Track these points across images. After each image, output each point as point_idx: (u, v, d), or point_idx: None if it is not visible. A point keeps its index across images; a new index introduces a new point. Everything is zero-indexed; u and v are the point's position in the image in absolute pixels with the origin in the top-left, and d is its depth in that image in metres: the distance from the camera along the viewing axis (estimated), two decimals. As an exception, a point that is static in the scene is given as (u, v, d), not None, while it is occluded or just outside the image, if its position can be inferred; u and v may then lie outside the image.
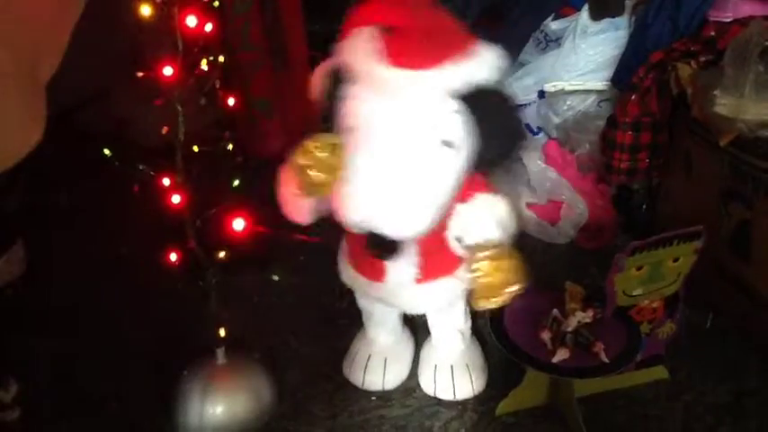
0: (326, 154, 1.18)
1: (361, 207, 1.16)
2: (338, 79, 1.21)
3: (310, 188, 1.20)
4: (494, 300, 1.23)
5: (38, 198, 1.97)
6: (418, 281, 1.31)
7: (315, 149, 1.18)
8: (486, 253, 1.21)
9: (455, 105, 1.17)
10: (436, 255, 1.29)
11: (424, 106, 1.16)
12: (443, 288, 1.34)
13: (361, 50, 1.18)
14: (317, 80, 1.27)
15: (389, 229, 1.16)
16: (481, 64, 1.18)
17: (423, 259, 1.29)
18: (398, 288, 1.33)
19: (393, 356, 1.50)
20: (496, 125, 1.20)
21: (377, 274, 1.32)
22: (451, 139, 1.17)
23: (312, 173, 1.18)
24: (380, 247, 1.21)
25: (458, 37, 1.19)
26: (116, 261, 1.83)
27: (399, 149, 1.16)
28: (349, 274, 1.39)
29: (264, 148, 2.28)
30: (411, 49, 1.14)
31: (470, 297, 1.27)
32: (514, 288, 1.22)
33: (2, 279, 1.68)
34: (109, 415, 1.42)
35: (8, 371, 1.42)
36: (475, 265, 1.22)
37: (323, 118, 1.27)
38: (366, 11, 1.21)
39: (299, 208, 1.26)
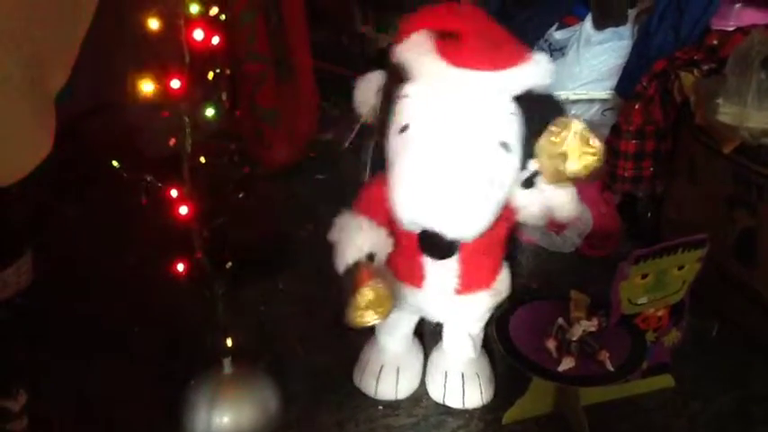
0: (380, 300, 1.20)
1: (419, 206, 1.18)
2: (394, 80, 1.24)
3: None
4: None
5: (46, 209, 1.99)
6: (457, 291, 1.33)
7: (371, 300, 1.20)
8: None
9: (512, 108, 1.20)
10: (477, 267, 1.32)
11: (483, 107, 1.19)
12: (480, 301, 1.36)
13: (422, 51, 1.21)
14: (365, 88, 1.32)
15: (447, 229, 1.19)
16: (536, 69, 1.21)
17: (464, 270, 1.31)
18: (436, 296, 1.34)
19: (405, 365, 1.50)
20: (544, 128, 1.22)
21: (416, 280, 1.33)
22: (508, 140, 1.20)
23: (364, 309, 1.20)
24: (434, 247, 1.23)
25: (513, 43, 1.24)
26: (123, 271, 1.84)
27: (458, 149, 1.18)
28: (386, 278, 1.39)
29: (270, 159, 2.29)
30: (472, 50, 1.18)
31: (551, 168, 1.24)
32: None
33: (10, 289, 1.68)
34: (116, 424, 1.42)
35: (16, 381, 1.42)
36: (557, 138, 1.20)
37: (378, 121, 1.29)
38: (424, 16, 1.25)
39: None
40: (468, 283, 1.33)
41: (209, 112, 1.25)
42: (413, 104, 1.22)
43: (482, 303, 1.38)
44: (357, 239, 1.24)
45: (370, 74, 1.34)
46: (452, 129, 1.19)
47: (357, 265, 1.22)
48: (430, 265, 1.31)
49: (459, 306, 1.37)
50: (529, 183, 1.26)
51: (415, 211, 1.19)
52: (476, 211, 1.19)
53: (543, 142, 1.21)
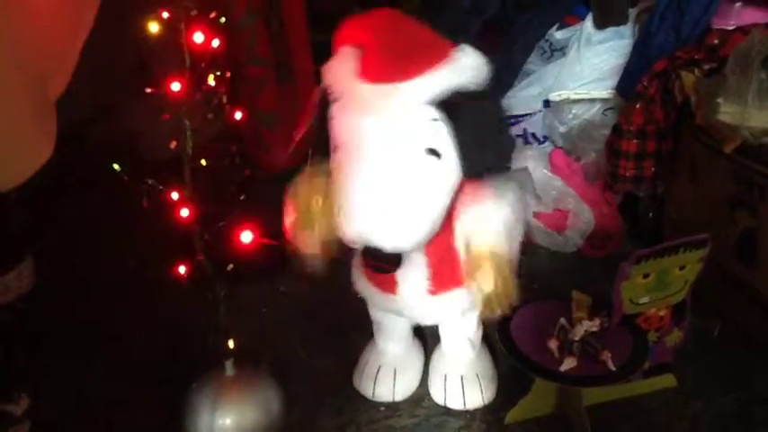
0: (318, 180, 1.21)
1: (356, 221, 1.17)
2: (325, 101, 1.23)
3: (305, 215, 1.23)
4: (495, 309, 1.24)
5: (47, 213, 1.99)
6: (431, 292, 1.32)
7: (308, 177, 1.21)
8: (487, 262, 1.22)
9: (435, 113, 1.17)
10: (447, 266, 1.30)
11: (403, 118, 1.17)
12: (456, 299, 1.34)
13: (340, 70, 1.20)
14: (312, 105, 1.29)
15: (384, 242, 1.17)
16: (457, 69, 1.18)
17: (433, 271, 1.30)
18: (411, 300, 1.34)
19: (403, 367, 1.50)
20: (480, 129, 1.21)
21: (389, 287, 1.33)
22: (435, 146, 1.18)
23: (305, 200, 1.22)
24: (378, 260, 1.21)
25: (432, 46, 1.20)
26: (124, 274, 1.85)
27: (386, 162, 1.17)
28: (363, 286, 1.40)
29: (270, 162, 2.30)
30: (382, 64, 1.16)
31: (474, 304, 1.28)
32: (512, 299, 1.24)
33: (12, 293, 1.68)
34: (118, 427, 1.42)
35: (18, 385, 1.42)
36: (477, 275, 1.22)
37: (316, 140, 1.29)
38: (342, 32, 1.23)
39: (302, 236, 1.28)
40: (440, 283, 1.32)
41: (210, 115, 1.26)
42: (339, 125, 1.21)
43: (459, 301, 1.35)
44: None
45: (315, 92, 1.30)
46: (376, 143, 1.17)
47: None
48: (400, 272, 1.28)
49: (437, 306, 1.36)
50: None
51: (353, 228, 1.18)
52: (410, 221, 1.18)
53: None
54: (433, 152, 1.18)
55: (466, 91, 1.18)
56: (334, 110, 1.22)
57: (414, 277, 1.31)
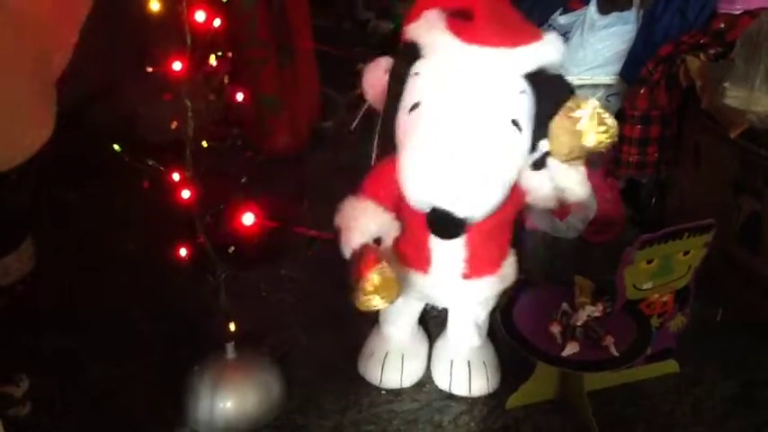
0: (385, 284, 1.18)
1: (429, 184, 1.17)
2: (405, 60, 1.23)
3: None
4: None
5: (46, 195, 1.98)
6: (465, 276, 1.32)
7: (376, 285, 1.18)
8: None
9: (524, 86, 1.19)
10: (485, 251, 1.30)
11: (494, 84, 1.18)
12: (486, 286, 1.35)
13: (434, 28, 1.20)
14: (373, 74, 1.31)
15: (457, 208, 1.18)
16: (547, 48, 1.21)
17: (471, 254, 1.30)
18: (443, 281, 1.33)
19: (410, 353, 1.49)
20: (556, 108, 1.20)
21: (422, 265, 1.32)
22: (519, 119, 1.19)
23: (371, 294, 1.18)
24: (443, 227, 1.22)
25: (524, 21, 1.23)
26: (125, 257, 1.84)
27: (469, 126, 1.17)
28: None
29: (272, 145, 2.28)
30: (484, 27, 1.18)
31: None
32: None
33: (12, 276, 1.68)
34: (119, 410, 1.42)
35: (19, 367, 1.42)
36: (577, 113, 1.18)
37: (386, 104, 1.27)
38: None
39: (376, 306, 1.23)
40: (475, 268, 1.32)
41: (212, 95, 1.24)
42: (424, 82, 1.21)
43: (488, 288, 1.36)
44: (363, 223, 1.23)
45: (379, 59, 1.33)
46: (464, 106, 1.18)
47: (363, 248, 1.21)
48: (437, 249, 1.30)
49: (466, 291, 1.36)
50: (539, 164, 1.25)
51: (426, 190, 1.18)
52: (486, 190, 1.19)
53: (559, 119, 1.20)
54: (516, 124, 1.19)
55: (549, 70, 1.21)
56: (420, 67, 1.22)
57: (450, 258, 1.30)
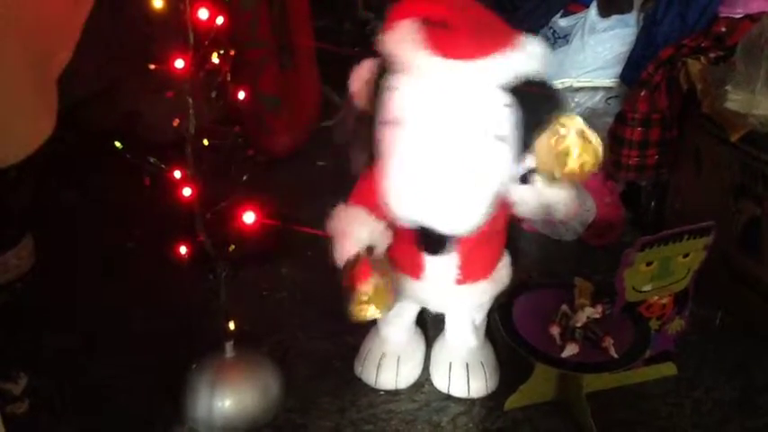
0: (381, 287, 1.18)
1: (412, 202, 1.16)
2: (383, 71, 1.20)
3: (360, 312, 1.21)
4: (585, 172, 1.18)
5: (46, 192, 1.98)
6: (458, 281, 1.31)
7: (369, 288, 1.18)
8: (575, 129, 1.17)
9: (506, 98, 1.15)
10: (478, 256, 1.30)
11: (474, 98, 1.15)
12: (481, 290, 1.34)
13: (408, 41, 1.16)
14: (359, 77, 1.27)
15: (443, 225, 1.16)
16: (528, 56, 1.16)
17: (464, 259, 1.29)
18: (436, 287, 1.33)
19: (406, 355, 1.49)
20: (543, 118, 1.18)
21: (415, 271, 1.32)
22: (502, 132, 1.16)
23: (365, 304, 1.19)
24: (430, 243, 1.21)
25: (503, 29, 1.18)
26: (124, 255, 1.84)
27: (450, 142, 1.15)
28: None
29: (272, 145, 2.28)
30: (460, 39, 1.13)
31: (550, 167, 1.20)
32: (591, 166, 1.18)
33: (11, 273, 1.68)
34: (117, 408, 1.42)
35: (17, 364, 1.42)
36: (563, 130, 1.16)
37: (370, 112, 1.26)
38: (411, 4, 1.20)
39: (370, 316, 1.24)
40: (469, 273, 1.32)
41: (213, 93, 1.24)
42: (401, 98, 1.18)
43: (483, 292, 1.37)
44: (356, 231, 1.21)
45: (364, 62, 1.29)
46: (443, 121, 1.15)
47: (356, 257, 1.20)
48: (429, 257, 1.29)
49: (460, 296, 1.35)
50: (525, 179, 1.24)
51: (409, 209, 1.17)
52: (470, 206, 1.17)
53: (543, 139, 1.18)
54: (499, 137, 1.16)
55: (532, 79, 1.16)
56: (395, 82, 1.18)
57: (443, 264, 1.30)
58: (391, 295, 1.19)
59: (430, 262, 1.30)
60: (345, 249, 1.21)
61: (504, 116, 1.16)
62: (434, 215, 1.16)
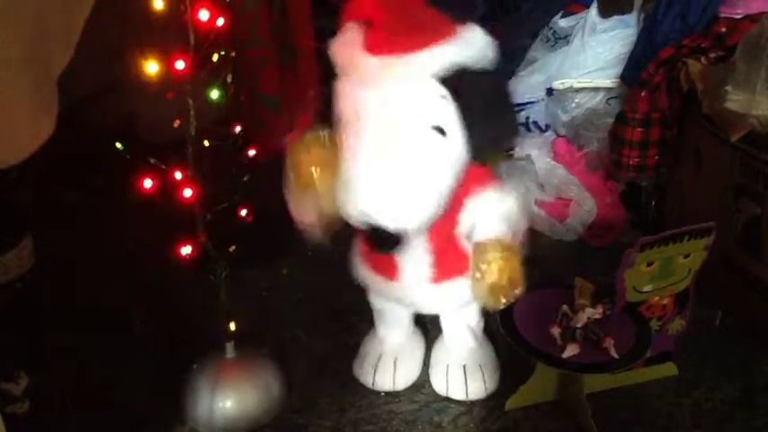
0: (317, 149, 1.20)
1: (359, 200, 1.15)
2: (331, 76, 1.22)
3: (303, 184, 1.22)
4: (500, 300, 1.21)
5: (46, 193, 1.98)
6: (433, 280, 1.31)
7: (306, 145, 1.20)
8: (494, 253, 1.19)
9: (441, 90, 1.16)
10: (450, 254, 1.29)
11: (408, 92, 1.15)
12: (458, 288, 1.32)
13: (345, 44, 1.19)
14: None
15: (388, 221, 1.15)
16: (464, 45, 1.16)
17: (436, 258, 1.28)
18: (413, 287, 1.32)
19: (403, 356, 1.48)
20: (486, 107, 1.18)
21: (391, 273, 1.32)
22: (442, 124, 1.16)
23: (303, 168, 1.20)
24: (381, 241, 1.19)
25: (438, 23, 1.18)
26: (125, 255, 1.84)
27: (390, 139, 1.15)
28: (363, 273, 1.38)
29: (271, 145, 2.28)
30: (387, 36, 1.14)
31: (475, 296, 1.25)
32: (519, 290, 1.20)
33: (11, 273, 1.67)
34: (118, 408, 1.42)
35: (18, 364, 1.42)
36: (482, 265, 1.20)
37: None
38: (349, 7, 1.22)
39: (300, 206, 1.26)
40: (443, 271, 1.31)
41: (214, 94, 1.24)
42: (343, 99, 1.20)
43: (462, 290, 1.32)
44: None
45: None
46: (381, 119, 1.15)
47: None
48: (402, 257, 1.28)
49: (439, 294, 1.34)
50: None
51: (355, 207, 1.16)
52: (414, 201, 1.16)
53: (473, 258, 1.21)
54: (440, 130, 1.16)
55: (473, 68, 1.16)
56: (339, 84, 1.20)
57: (416, 264, 1.29)
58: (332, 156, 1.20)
59: (404, 263, 1.29)
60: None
61: (441, 107, 1.16)
62: (378, 212, 1.15)
